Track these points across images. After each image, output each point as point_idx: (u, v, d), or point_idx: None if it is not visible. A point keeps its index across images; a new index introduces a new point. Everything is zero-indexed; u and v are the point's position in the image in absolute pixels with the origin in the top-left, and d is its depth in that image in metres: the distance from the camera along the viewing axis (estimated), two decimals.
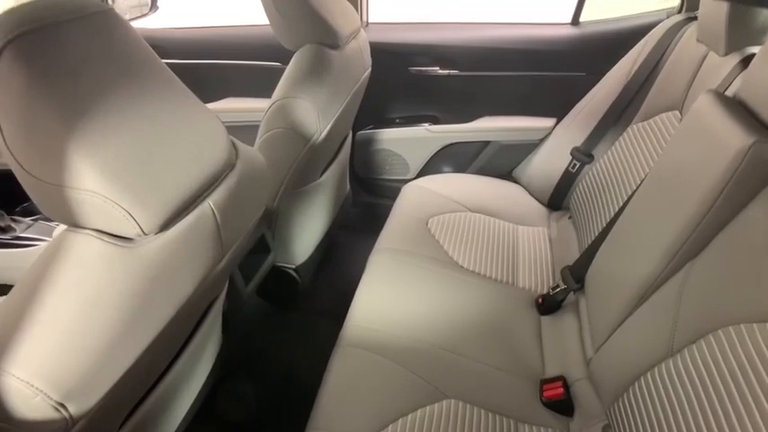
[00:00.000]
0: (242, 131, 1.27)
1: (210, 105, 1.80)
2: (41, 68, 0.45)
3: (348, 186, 1.72)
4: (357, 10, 1.55)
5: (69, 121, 0.45)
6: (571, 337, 1.05)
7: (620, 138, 1.25)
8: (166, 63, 1.86)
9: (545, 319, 1.12)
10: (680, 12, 1.37)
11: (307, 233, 1.37)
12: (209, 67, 1.78)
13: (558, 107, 1.54)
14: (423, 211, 1.40)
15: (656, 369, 0.74)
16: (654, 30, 1.30)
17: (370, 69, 1.40)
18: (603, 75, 1.41)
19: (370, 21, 1.69)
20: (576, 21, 1.55)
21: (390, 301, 1.11)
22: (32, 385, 0.44)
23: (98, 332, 0.48)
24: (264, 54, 1.67)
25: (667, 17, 1.36)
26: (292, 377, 1.26)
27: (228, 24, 1.81)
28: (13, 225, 1.16)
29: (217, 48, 1.77)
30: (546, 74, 1.56)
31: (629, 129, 1.24)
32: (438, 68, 1.61)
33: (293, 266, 1.36)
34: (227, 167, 0.62)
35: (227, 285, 0.94)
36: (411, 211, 1.41)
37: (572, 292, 1.10)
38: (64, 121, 0.45)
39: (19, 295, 0.47)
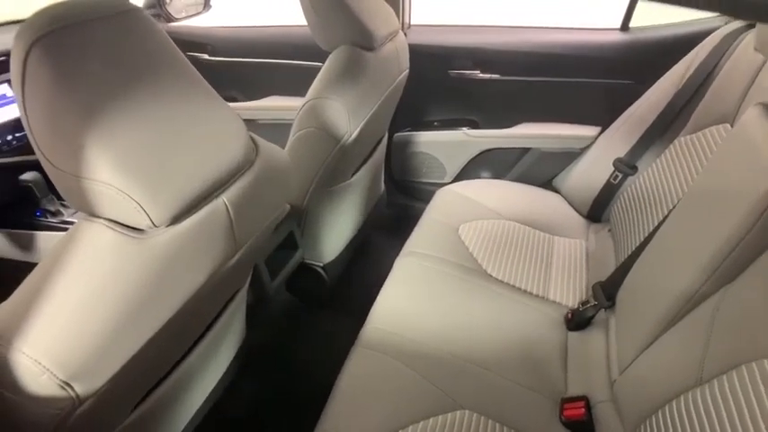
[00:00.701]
0: (283, 129, 1.30)
1: (254, 102, 1.86)
2: (66, 65, 0.48)
3: (383, 187, 1.72)
4: (398, 12, 1.55)
5: (88, 115, 0.48)
6: (598, 356, 1.00)
7: (667, 150, 1.19)
8: (215, 60, 1.92)
9: (573, 335, 1.07)
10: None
11: (336, 232, 1.37)
12: (256, 65, 1.83)
13: (603, 115, 1.48)
14: (454, 217, 1.38)
15: (682, 397, 0.70)
16: (709, 37, 1.23)
17: (407, 71, 1.40)
18: (652, 83, 1.34)
19: (411, 23, 1.68)
20: (625, 26, 1.48)
21: (412, 305, 1.09)
22: (40, 363, 0.47)
23: (104, 318, 0.49)
24: (308, 54, 1.69)
25: (725, 24, 1.28)
26: (309, 375, 1.27)
27: (275, 24, 1.85)
28: (62, 209, 1.23)
29: (263, 46, 1.82)
30: (591, 80, 1.50)
31: (676, 141, 1.17)
32: (479, 72, 1.59)
33: (321, 264, 1.37)
34: (245, 165, 0.64)
35: (249, 279, 0.96)
36: (442, 215, 1.40)
37: (603, 310, 1.06)
38: (83, 115, 0.47)
39: (36, 278, 0.50)
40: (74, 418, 0.50)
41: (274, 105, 1.83)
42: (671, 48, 1.36)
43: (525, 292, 1.16)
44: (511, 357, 1.00)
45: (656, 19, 1.47)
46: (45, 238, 1.20)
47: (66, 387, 0.48)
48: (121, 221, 0.51)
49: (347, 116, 1.07)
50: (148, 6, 1.89)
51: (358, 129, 1.11)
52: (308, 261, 1.36)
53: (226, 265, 0.64)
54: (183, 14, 2.02)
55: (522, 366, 0.98)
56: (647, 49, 1.44)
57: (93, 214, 0.52)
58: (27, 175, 1.15)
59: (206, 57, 1.87)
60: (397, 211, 1.91)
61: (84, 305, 0.49)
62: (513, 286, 1.17)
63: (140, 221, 0.51)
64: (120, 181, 0.48)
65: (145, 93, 0.53)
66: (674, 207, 0.95)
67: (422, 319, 1.06)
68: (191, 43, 1.88)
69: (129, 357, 0.53)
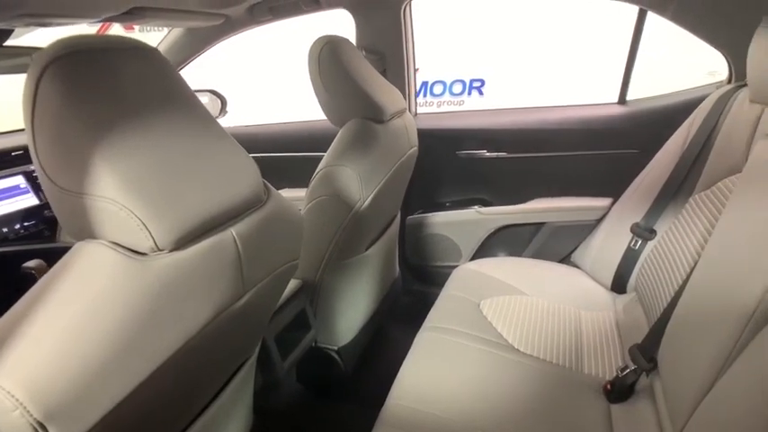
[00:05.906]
0: None
1: None
2: (76, 86, 0.48)
3: (398, 271, 1.69)
4: (405, 101, 1.64)
5: (96, 134, 0.47)
6: (648, 425, 0.90)
7: (683, 209, 1.17)
8: None
9: (616, 407, 0.97)
10: (729, 82, 1.35)
11: (351, 311, 1.32)
12: (267, 159, 1.91)
13: (613, 186, 1.49)
14: (475, 294, 1.33)
15: None
16: (705, 101, 1.27)
17: (416, 149, 1.44)
18: (657, 150, 1.37)
19: (418, 111, 1.77)
20: (622, 100, 1.55)
21: (437, 379, 1.02)
22: (14, 396, 0.41)
23: (94, 346, 0.45)
24: (318, 146, 1.77)
25: (717, 88, 1.33)
26: None
27: (284, 121, 1.96)
28: None
29: (274, 142, 1.91)
30: (597, 152, 1.54)
31: (690, 199, 1.16)
32: (485, 151, 1.63)
33: (335, 348, 1.30)
34: (256, 202, 0.63)
35: (256, 356, 0.90)
36: (462, 292, 1.35)
37: (645, 374, 0.97)
38: (91, 133, 0.47)
39: (25, 301, 0.46)
40: None
41: (289, 197, 1.87)
42: (669, 116, 1.40)
43: (557, 365, 1.08)
44: None
45: (649, 91, 1.55)
46: None
47: (41, 430, 0.42)
48: (123, 243, 0.49)
49: (359, 182, 1.08)
50: None
51: (371, 196, 1.12)
52: (321, 344, 1.29)
53: (232, 306, 0.60)
54: None
55: None
56: (647, 118, 1.50)
57: (93, 237, 0.49)
58: (31, 263, 1.14)
59: None
60: (413, 298, 1.85)
61: (73, 329, 0.44)
62: (545, 360, 1.09)
63: (143, 242, 0.48)
64: (124, 196, 0.47)
65: (154, 120, 0.53)
66: (699, 258, 0.91)
67: (447, 394, 0.97)
68: None
69: (117, 401, 0.47)
